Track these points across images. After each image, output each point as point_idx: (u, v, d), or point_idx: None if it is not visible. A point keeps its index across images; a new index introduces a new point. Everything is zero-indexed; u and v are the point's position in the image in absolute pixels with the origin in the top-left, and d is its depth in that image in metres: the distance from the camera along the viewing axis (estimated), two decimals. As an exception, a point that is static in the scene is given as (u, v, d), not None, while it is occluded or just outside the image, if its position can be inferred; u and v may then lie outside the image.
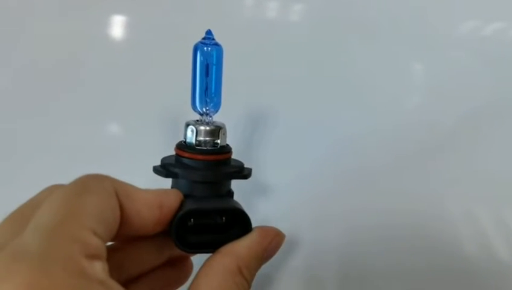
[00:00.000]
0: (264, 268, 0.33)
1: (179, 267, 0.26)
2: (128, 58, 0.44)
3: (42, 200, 0.17)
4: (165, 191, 0.22)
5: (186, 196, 0.24)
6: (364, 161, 0.38)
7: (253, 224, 0.23)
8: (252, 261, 0.21)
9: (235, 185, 0.27)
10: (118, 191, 0.19)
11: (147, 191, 0.21)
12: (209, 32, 0.26)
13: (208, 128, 0.26)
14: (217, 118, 0.28)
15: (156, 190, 0.21)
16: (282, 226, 0.34)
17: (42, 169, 0.38)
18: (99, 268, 0.15)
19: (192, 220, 0.24)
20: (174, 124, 0.35)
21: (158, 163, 0.26)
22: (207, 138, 0.26)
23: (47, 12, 0.43)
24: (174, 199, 0.22)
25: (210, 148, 0.26)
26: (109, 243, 0.23)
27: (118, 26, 0.46)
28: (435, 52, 0.42)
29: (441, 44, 0.42)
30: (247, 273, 0.20)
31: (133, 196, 0.19)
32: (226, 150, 0.26)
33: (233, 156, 0.27)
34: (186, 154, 0.25)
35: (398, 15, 0.43)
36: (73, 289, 0.13)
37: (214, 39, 0.26)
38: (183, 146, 0.26)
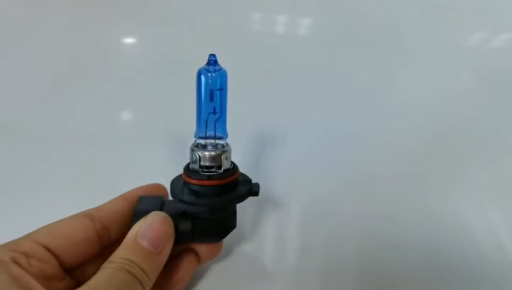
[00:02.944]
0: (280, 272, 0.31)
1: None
2: (139, 72, 0.45)
3: None
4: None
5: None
6: (375, 167, 0.37)
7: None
8: (122, 250, 0.22)
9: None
10: (92, 213, 0.24)
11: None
12: (212, 56, 0.25)
13: (209, 153, 0.25)
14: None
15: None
16: (292, 233, 0.33)
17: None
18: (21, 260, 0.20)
19: None
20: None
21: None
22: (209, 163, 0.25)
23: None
24: (135, 192, 0.27)
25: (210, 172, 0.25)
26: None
27: (130, 44, 0.47)
28: (440, 60, 0.42)
29: (448, 53, 0.42)
30: (118, 258, 0.21)
31: (101, 209, 0.25)
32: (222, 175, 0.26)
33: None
34: (185, 178, 0.26)
35: (405, 28, 0.43)
36: None
37: (217, 64, 0.25)
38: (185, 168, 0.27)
